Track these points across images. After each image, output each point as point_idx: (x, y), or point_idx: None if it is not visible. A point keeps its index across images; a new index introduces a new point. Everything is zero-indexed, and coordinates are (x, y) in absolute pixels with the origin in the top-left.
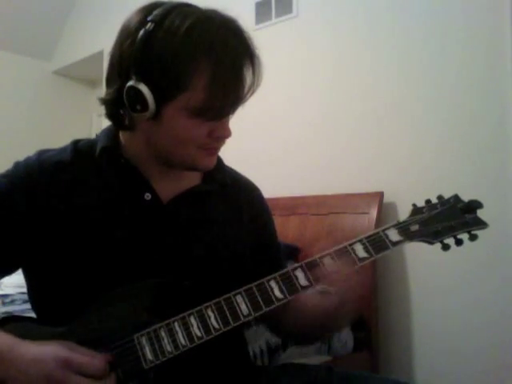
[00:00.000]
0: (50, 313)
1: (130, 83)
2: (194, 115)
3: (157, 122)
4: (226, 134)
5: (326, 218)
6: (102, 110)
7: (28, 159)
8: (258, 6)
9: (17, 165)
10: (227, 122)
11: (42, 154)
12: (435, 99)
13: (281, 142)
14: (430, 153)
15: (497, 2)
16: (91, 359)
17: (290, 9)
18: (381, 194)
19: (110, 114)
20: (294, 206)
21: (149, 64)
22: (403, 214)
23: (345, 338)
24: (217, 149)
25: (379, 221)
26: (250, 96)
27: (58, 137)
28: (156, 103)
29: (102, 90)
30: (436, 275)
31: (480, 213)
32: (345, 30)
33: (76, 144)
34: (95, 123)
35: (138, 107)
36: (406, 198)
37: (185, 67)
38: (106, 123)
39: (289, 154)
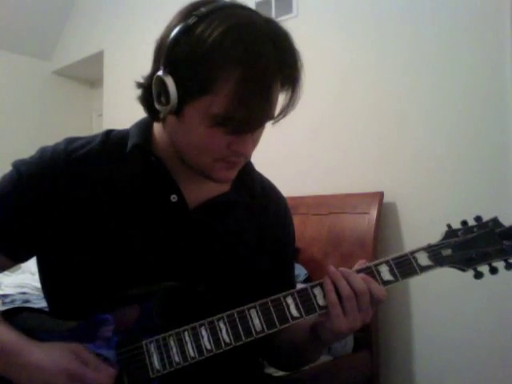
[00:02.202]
0: (63, 307)
1: (159, 73)
2: (214, 124)
3: (179, 120)
4: (242, 150)
5: (326, 217)
6: (102, 109)
7: (56, 146)
8: (258, 5)
9: (43, 150)
10: (250, 138)
11: (70, 142)
12: (436, 100)
13: (281, 142)
14: (431, 153)
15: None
16: (98, 375)
17: (290, 9)
18: (381, 194)
19: (142, 99)
20: (294, 205)
21: (179, 58)
22: (403, 214)
23: (345, 338)
24: (236, 163)
25: (379, 221)
26: (282, 118)
27: (57, 137)
28: (179, 99)
29: (102, 90)
30: (436, 276)
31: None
32: (345, 29)
33: (108, 134)
34: (95, 123)
35: (162, 99)
36: (406, 198)
37: (211, 70)
38: (106, 123)
39: (289, 154)
